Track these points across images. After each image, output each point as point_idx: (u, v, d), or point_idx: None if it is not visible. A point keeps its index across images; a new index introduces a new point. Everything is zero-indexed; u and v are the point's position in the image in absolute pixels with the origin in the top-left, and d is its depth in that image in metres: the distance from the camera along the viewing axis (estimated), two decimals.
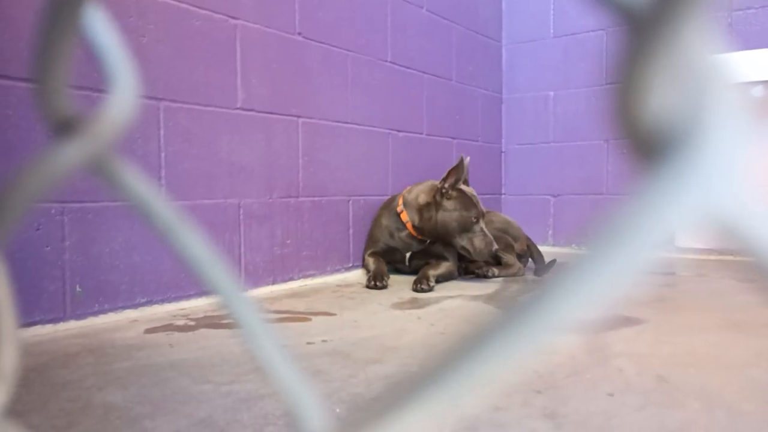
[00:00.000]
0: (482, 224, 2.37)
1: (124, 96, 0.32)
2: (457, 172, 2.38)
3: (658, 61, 0.14)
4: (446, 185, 2.40)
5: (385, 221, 2.52)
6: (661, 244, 0.14)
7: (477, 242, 2.34)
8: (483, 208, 2.43)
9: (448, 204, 2.37)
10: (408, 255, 2.51)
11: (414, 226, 2.45)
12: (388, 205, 2.57)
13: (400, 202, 2.50)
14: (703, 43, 0.14)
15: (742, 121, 0.14)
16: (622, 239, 0.14)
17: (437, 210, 2.39)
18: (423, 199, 2.46)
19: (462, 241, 2.35)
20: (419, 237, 2.46)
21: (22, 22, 1.53)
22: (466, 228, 2.34)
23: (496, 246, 2.34)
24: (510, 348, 0.15)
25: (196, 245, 0.32)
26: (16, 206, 0.29)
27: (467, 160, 2.41)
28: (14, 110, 1.52)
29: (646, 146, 0.15)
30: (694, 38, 0.14)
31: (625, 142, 0.15)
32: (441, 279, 2.37)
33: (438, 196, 2.40)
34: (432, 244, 2.47)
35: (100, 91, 1.61)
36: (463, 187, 2.40)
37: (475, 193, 2.43)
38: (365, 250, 2.61)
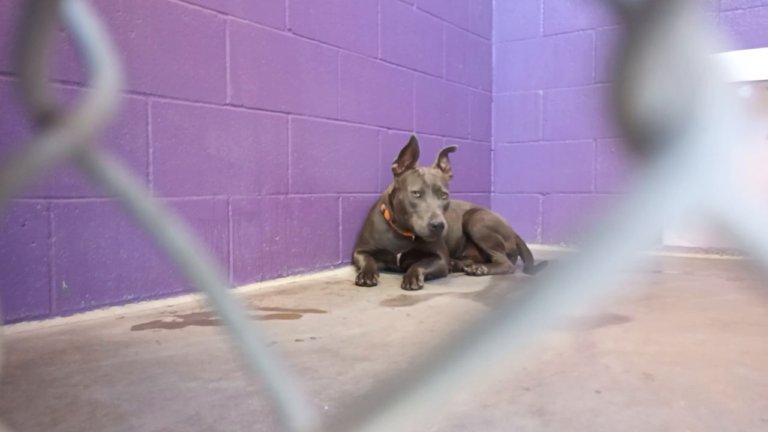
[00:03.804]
0: (430, 199, 2.27)
1: (105, 88, 0.31)
2: (408, 151, 2.41)
3: (652, 56, 0.14)
4: (395, 165, 2.43)
5: (374, 222, 2.52)
6: (650, 243, 0.14)
7: (415, 219, 2.26)
8: (444, 190, 2.32)
9: (400, 185, 2.37)
10: (399, 256, 2.49)
11: (392, 219, 2.43)
12: (376, 206, 2.57)
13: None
14: (696, 39, 0.14)
15: (736, 118, 0.14)
16: (613, 236, 0.14)
17: (396, 194, 2.39)
18: (390, 188, 2.47)
19: (411, 220, 2.28)
20: (403, 233, 2.42)
21: (3, 15, 1.51)
22: (413, 205, 2.28)
23: (437, 220, 2.20)
24: (498, 345, 0.15)
25: (180, 240, 0.31)
26: None
27: (416, 137, 2.41)
28: None
29: (639, 142, 0.14)
30: (688, 33, 0.14)
31: (617, 139, 0.15)
32: (430, 277, 2.36)
33: (396, 180, 2.41)
34: (420, 242, 2.45)
35: (87, 86, 1.59)
36: (419, 167, 2.39)
37: (432, 172, 2.36)
38: (355, 247, 2.60)
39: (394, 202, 2.39)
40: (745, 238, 0.14)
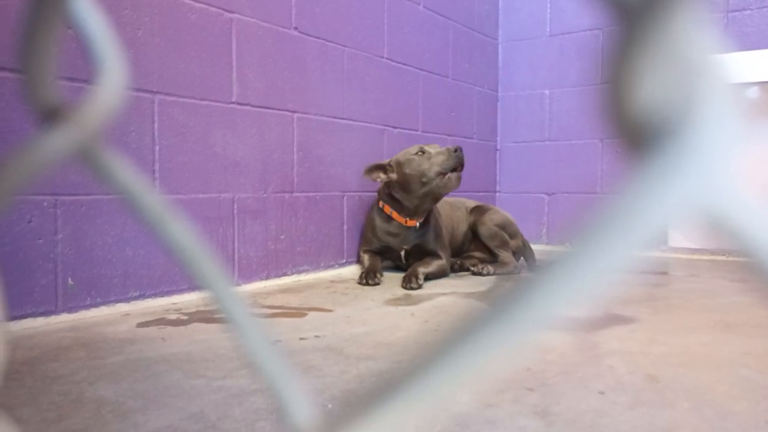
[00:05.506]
0: (434, 148, 2.37)
1: (111, 85, 0.32)
2: (375, 167, 2.48)
3: (651, 53, 0.14)
4: (382, 175, 2.45)
5: (374, 219, 2.52)
6: (650, 241, 0.14)
7: (430, 166, 2.33)
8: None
9: (398, 169, 2.40)
10: (403, 253, 2.50)
11: (395, 210, 2.45)
12: (374, 205, 2.58)
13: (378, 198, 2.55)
14: (696, 38, 0.14)
15: (734, 116, 0.14)
16: (608, 235, 0.14)
17: (398, 179, 2.42)
18: (380, 191, 2.53)
19: (426, 173, 2.33)
20: (407, 222, 2.44)
21: (10, 11, 1.52)
22: (419, 164, 2.34)
23: (452, 146, 2.33)
24: (493, 343, 0.15)
25: (185, 238, 0.32)
26: (1, 196, 0.28)
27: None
28: (7, 101, 1.50)
29: (637, 140, 0.15)
30: (687, 32, 0.14)
31: (618, 139, 0.15)
32: (432, 276, 2.36)
33: (389, 171, 2.44)
34: (422, 236, 2.46)
35: (94, 83, 1.60)
36: None
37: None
38: (360, 246, 2.60)
39: (396, 185, 2.41)
40: (743, 238, 0.14)
